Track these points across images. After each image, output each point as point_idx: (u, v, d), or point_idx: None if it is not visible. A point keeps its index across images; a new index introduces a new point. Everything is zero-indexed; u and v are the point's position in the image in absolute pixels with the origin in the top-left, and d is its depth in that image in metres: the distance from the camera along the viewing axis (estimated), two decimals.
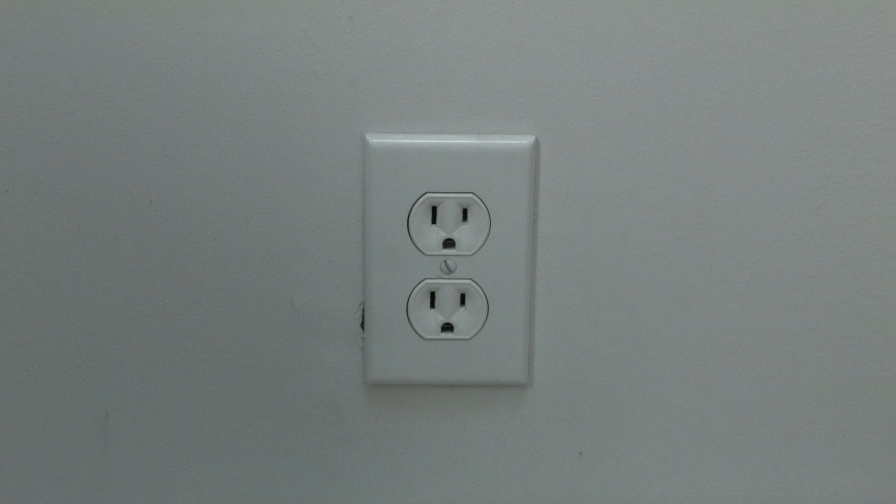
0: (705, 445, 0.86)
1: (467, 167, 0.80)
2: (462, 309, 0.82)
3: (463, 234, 0.81)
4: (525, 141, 0.80)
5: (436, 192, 0.80)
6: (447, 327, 0.83)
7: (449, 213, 0.81)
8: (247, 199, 0.81)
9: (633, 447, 0.86)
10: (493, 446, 0.86)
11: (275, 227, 0.82)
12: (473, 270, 0.82)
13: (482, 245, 0.81)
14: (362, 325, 0.83)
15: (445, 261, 0.81)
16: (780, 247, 0.82)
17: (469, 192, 0.80)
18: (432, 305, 0.82)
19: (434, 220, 0.81)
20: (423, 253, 0.81)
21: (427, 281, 0.82)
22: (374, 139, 0.80)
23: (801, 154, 0.80)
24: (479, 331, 0.83)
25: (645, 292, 0.83)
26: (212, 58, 0.78)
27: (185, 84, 0.79)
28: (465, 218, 0.81)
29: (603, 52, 0.78)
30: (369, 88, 0.79)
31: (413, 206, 0.80)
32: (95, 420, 0.85)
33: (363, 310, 0.83)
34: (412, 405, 0.85)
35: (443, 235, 0.81)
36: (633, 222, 0.82)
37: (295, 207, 0.81)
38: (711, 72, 0.79)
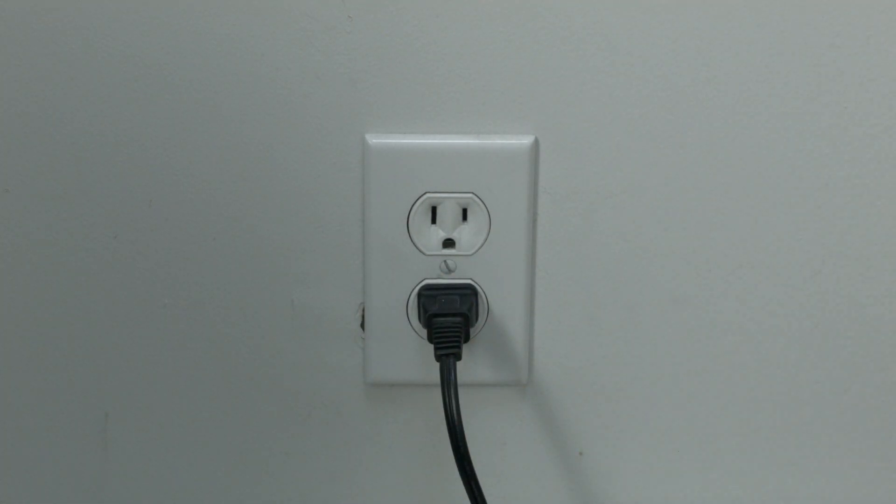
0: (705, 445, 0.86)
1: (467, 167, 0.80)
2: None
3: (463, 234, 0.81)
4: (525, 141, 0.80)
5: (435, 192, 0.80)
6: None
7: (449, 213, 0.81)
8: (247, 199, 0.81)
9: (633, 447, 0.86)
10: (494, 446, 0.86)
11: (275, 227, 0.82)
12: (473, 270, 0.82)
13: (482, 245, 0.81)
14: (362, 325, 0.83)
15: (445, 261, 0.81)
16: (780, 247, 0.82)
17: (469, 192, 0.80)
18: None
19: (434, 220, 0.81)
20: (423, 253, 0.81)
21: (427, 281, 0.82)
22: (374, 139, 0.80)
23: (801, 154, 0.80)
24: (480, 330, 0.83)
25: (645, 292, 0.83)
26: (212, 58, 0.78)
27: (185, 84, 0.79)
28: (464, 218, 0.81)
29: (603, 52, 0.78)
30: (369, 88, 0.79)
31: (413, 206, 0.80)
32: (95, 420, 0.85)
33: (363, 310, 0.83)
34: (412, 405, 0.85)
35: (443, 235, 0.81)
36: (633, 222, 0.82)
37: (295, 207, 0.81)
38: (711, 72, 0.79)
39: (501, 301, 0.82)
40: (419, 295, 0.82)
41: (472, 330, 0.82)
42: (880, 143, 0.80)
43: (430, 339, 0.80)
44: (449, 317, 0.80)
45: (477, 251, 0.81)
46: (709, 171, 0.81)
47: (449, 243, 0.81)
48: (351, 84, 0.79)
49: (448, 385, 0.77)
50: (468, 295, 0.81)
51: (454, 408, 0.77)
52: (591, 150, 0.80)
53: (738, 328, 0.84)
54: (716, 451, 0.86)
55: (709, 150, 0.80)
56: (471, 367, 0.84)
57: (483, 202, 0.81)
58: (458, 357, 0.79)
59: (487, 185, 0.80)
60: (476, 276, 0.82)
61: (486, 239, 0.81)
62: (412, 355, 0.83)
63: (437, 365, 0.78)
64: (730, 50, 0.78)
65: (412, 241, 0.81)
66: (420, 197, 0.80)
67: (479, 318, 0.82)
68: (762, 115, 0.80)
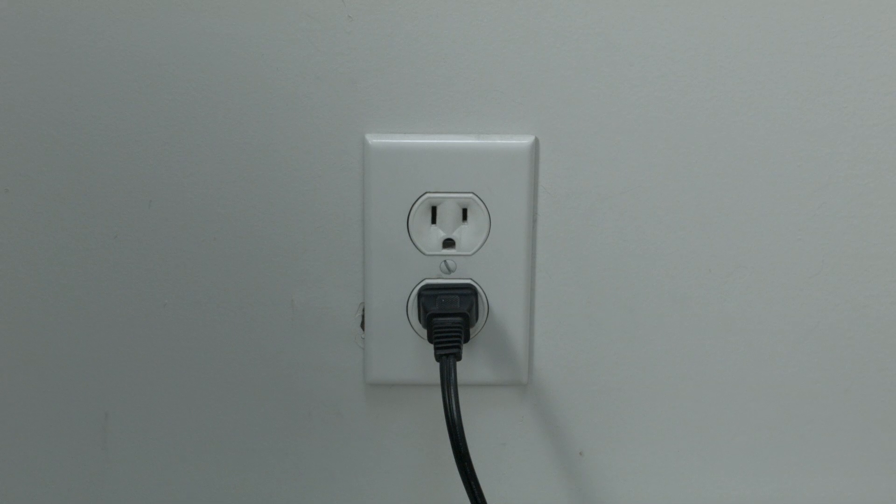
0: (705, 445, 0.86)
1: (467, 167, 0.80)
2: None
3: (463, 234, 0.81)
4: (525, 141, 0.80)
5: (436, 192, 0.80)
6: None
7: (449, 212, 0.81)
8: (247, 199, 0.81)
9: (633, 447, 0.86)
10: (494, 446, 0.86)
11: (275, 227, 0.82)
12: (473, 270, 0.82)
13: (482, 245, 0.81)
14: (362, 325, 0.83)
15: (445, 261, 0.81)
16: (780, 247, 0.82)
17: (469, 192, 0.80)
18: None
19: (434, 220, 0.81)
20: (422, 253, 0.81)
21: (427, 281, 0.82)
22: (374, 139, 0.80)
23: (801, 154, 0.80)
24: (480, 330, 0.83)
25: (645, 292, 0.83)
26: (212, 58, 0.78)
27: (185, 84, 0.79)
28: (464, 218, 0.81)
29: (603, 52, 0.78)
30: (369, 88, 0.79)
31: (413, 206, 0.80)
32: (95, 420, 0.85)
33: (363, 310, 0.83)
34: (412, 405, 0.85)
35: (443, 235, 0.81)
36: (633, 222, 0.82)
37: (295, 207, 0.81)
38: (711, 72, 0.79)
39: (501, 301, 0.82)
40: (419, 295, 0.82)
41: (472, 330, 0.82)
42: (880, 143, 0.80)
43: (430, 339, 0.80)
44: (449, 317, 0.80)
45: (477, 251, 0.81)
46: (709, 171, 0.81)
47: (449, 243, 0.81)
48: (351, 84, 0.79)
49: (448, 385, 0.77)
50: (468, 295, 0.81)
51: (454, 408, 0.77)
52: (591, 150, 0.80)
53: (738, 328, 0.84)
54: (716, 451, 0.86)
55: (709, 150, 0.80)
56: (471, 367, 0.84)
57: (483, 202, 0.81)
58: (458, 357, 0.79)
59: (487, 185, 0.80)
60: (476, 276, 0.82)
61: (486, 239, 0.81)
62: (412, 355, 0.83)
63: (437, 365, 0.78)
64: (730, 50, 0.78)
65: (412, 241, 0.81)
66: (420, 197, 0.80)
67: (479, 318, 0.82)
68: (762, 114, 0.80)
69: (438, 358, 0.78)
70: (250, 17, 0.78)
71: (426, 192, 0.80)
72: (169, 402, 0.85)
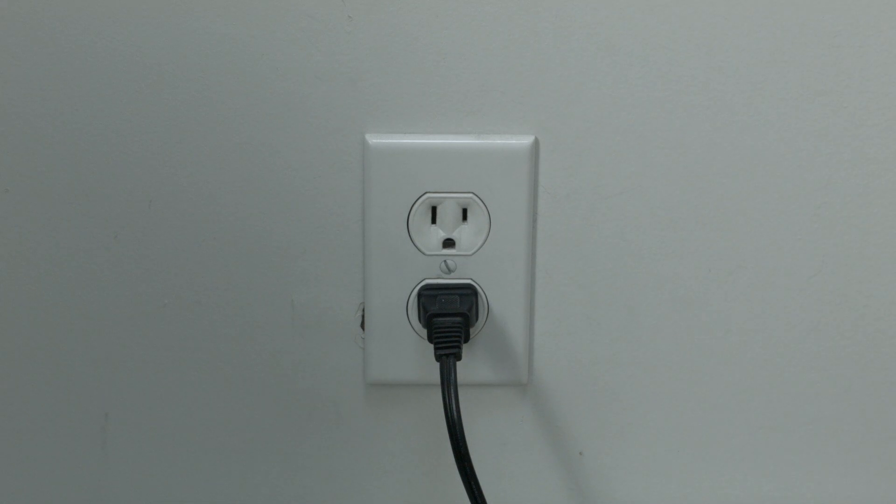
0: (705, 445, 0.86)
1: (467, 167, 0.80)
2: None
3: (463, 233, 0.81)
4: (525, 141, 0.80)
5: (435, 192, 0.80)
6: None
7: (449, 212, 0.81)
8: (247, 199, 0.81)
9: (633, 447, 0.86)
10: (494, 446, 0.86)
11: (275, 227, 0.82)
12: (473, 270, 0.82)
13: (482, 245, 0.81)
14: (362, 325, 0.83)
15: (445, 261, 0.81)
16: (780, 247, 0.82)
17: (469, 192, 0.80)
18: None
19: (434, 220, 0.81)
20: (422, 253, 0.81)
21: (427, 281, 0.82)
22: (374, 139, 0.80)
23: (801, 154, 0.80)
24: (480, 330, 0.83)
25: (645, 292, 0.83)
26: (212, 58, 0.78)
27: (185, 84, 0.79)
28: (464, 218, 0.81)
29: (603, 52, 0.78)
30: (369, 88, 0.79)
31: (413, 206, 0.80)
32: (95, 420, 0.85)
33: (363, 310, 0.83)
34: (412, 405, 0.85)
35: (443, 235, 0.81)
36: (633, 222, 0.82)
37: (295, 207, 0.81)
38: (711, 72, 0.79)
39: (501, 301, 0.82)
40: (419, 295, 0.82)
41: (472, 330, 0.82)
42: (880, 143, 0.80)
43: (430, 339, 0.80)
44: (449, 317, 0.80)
45: (477, 251, 0.81)
46: (709, 171, 0.81)
47: (449, 243, 0.81)
48: (351, 84, 0.79)
49: (448, 385, 0.77)
50: (468, 295, 0.81)
51: (454, 408, 0.77)
52: (591, 150, 0.80)
53: (738, 328, 0.84)
54: (716, 451, 0.86)
55: (709, 150, 0.80)
56: (471, 367, 0.84)
57: (483, 202, 0.81)
58: (458, 357, 0.79)
59: (487, 185, 0.80)
60: (476, 276, 0.82)
61: (486, 239, 0.81)
62: (412, 355, 0.83)
63: (437, 365, 0.78)
64: (730, 50, 0.78)
65: (412, 241, 0.81)
66: (420, 197, 0.80)
67: (479, 318, 0.82)
68: (762, 114, 0.80)
69: (438, 358, 0.79)
70: (250, 17, 0.78)
71: (426, 192, 0.80)
72: (169, 402, 0.85)
